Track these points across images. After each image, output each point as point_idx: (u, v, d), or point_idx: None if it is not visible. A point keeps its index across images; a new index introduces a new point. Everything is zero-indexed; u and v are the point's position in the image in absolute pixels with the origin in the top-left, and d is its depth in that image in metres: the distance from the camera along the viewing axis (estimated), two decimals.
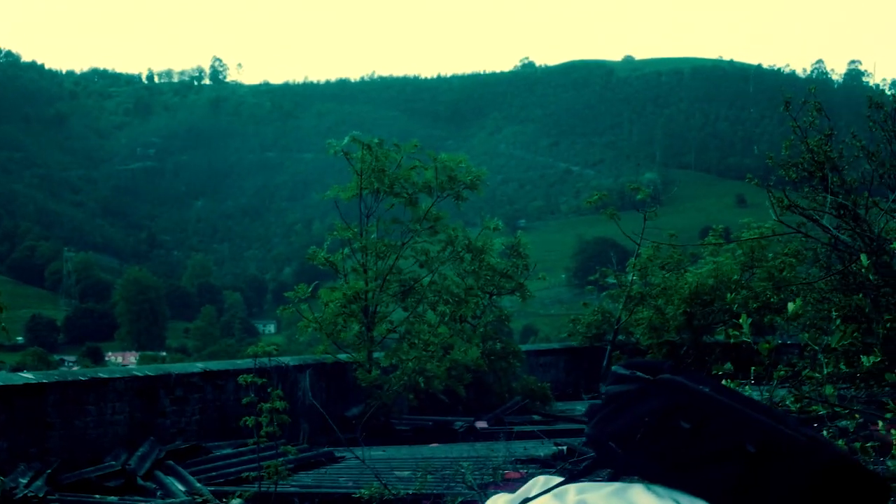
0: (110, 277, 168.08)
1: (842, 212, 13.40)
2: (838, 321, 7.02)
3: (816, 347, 6.47)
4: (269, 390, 10.58)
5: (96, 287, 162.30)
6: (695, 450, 2.67)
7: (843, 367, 6.71)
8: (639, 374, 2.82)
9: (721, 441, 2.65)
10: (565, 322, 29.87)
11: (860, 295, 10.95)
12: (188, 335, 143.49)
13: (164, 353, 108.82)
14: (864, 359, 6.21)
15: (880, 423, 6.10)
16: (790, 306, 5.87)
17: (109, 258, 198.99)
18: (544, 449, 13.38)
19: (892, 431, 5.98)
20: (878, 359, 6.27)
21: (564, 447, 13.28)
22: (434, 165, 18.61)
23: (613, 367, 2.94)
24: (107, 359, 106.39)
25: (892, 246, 8.45)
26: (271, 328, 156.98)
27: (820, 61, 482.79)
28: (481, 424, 17.71)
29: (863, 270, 9.77)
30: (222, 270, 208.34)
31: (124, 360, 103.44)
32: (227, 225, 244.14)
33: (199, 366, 15.66)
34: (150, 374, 14.47)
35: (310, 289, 17.80)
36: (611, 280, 25.07)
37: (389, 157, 18.42)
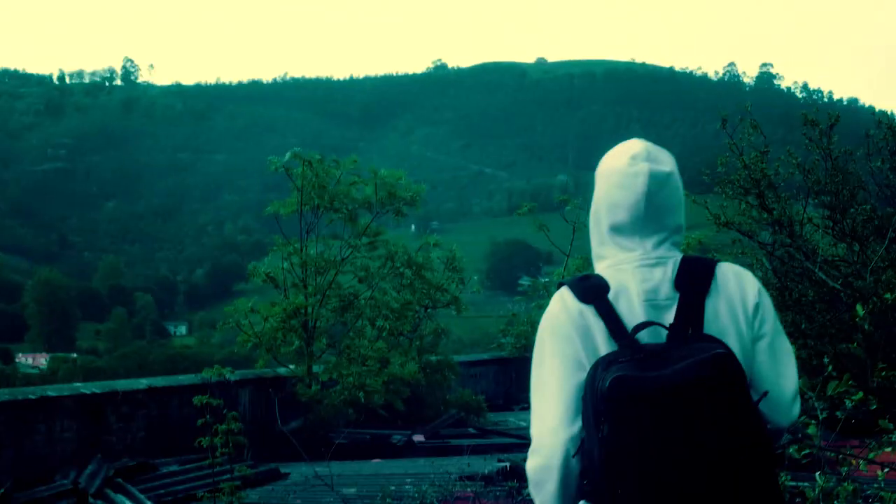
0: (20, 278, 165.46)
1: (776, 228, 13.81)
2: None
3: None
4: (224, 412, 10.69)
5: (6, 288, 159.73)
6: None
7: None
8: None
9: None
10: (479, 325, 29.87)
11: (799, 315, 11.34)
12: (99, 337, 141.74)
13: (75, 355, 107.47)
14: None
15: None
16: None
17: (19, 259, 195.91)
18: (487, 465, 13.53)
19: None
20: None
21: (507, 464, 13.44)
22: (374, 181, 18.82)
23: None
24: (17, 360, 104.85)
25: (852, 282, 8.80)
26: (182, 329, 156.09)
27: (732, 64, 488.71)
28: (419, 438, 17.85)
29: (809, 294, 10.12)
30: (133, 272, 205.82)
31: (34, 362, 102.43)
32: (139, 226, 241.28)
33: (144, 382, 15.69)
34: (96, 391, 14.49)
35: (250, 304, 17.94)
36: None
37: (330, 174, 18.60)
